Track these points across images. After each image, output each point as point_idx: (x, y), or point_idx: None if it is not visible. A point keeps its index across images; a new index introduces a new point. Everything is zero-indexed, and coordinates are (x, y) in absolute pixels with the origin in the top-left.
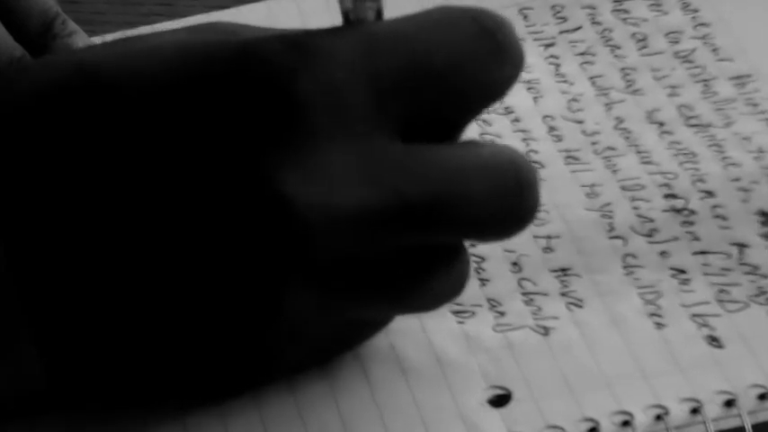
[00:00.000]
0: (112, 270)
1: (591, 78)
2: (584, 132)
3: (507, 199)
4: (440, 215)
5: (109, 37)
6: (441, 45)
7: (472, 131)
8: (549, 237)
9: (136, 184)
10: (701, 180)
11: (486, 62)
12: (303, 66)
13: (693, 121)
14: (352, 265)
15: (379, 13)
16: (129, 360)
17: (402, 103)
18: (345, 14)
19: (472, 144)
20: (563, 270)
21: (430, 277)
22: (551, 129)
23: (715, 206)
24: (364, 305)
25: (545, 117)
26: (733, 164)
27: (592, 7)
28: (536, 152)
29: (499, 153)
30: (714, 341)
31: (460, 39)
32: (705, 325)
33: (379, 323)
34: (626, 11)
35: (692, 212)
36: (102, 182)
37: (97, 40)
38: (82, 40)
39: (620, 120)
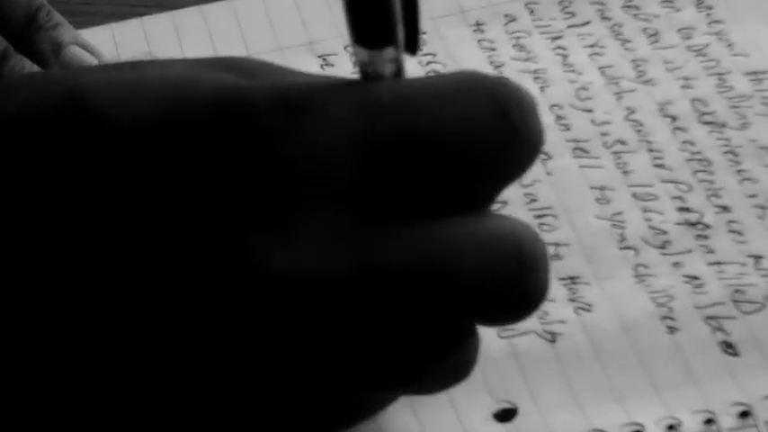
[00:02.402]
0: (79, 307)
1: (600, 68)
2: (593, 122)
3: (505, 278)
4: (419, 291)
5: (98, 29)
6: (447, 117)
7: None
8: (557, 244)
9: (109, 224)
10: (716, 195)
11: (497, 143)
12: (289, 127)
13: (708, 119)
14: (340, 339)
15: (398, 69)
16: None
17: (397, 174)
18: (362, 68)
19: (474, 218)
20: (571, 278)
21: (430, 361)
22: (559, 118)
23: (731, 221)
24: (355, 389)
25: (552, 106)
26: (749, 179)
27: (601, 2)
28: None
29: (501, 228)
30: (729, 348)
31: (470, 112)
32: (720, 329)
33: (379, 403)
34: (637, 6)
35: (707, 227)
36: (77, 214)
37: (84, 32)
38: (68, 32)
39: (631, 110)
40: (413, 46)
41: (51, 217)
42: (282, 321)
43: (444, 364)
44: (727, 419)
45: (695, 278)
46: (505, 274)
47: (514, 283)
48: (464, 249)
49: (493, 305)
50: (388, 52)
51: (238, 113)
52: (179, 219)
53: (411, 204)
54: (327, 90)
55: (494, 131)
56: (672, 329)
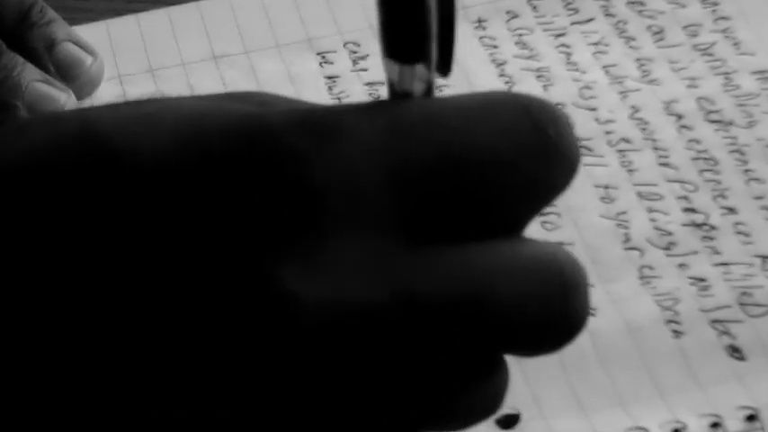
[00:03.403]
0: (94, 348)
1: (604, 67)
2: (597, 120)
3: (548, 303)
4: (458, 318)
5: (92, 26)
6: (481, 137)
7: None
8: (561, 243)
9: (129, 266)
10: (723, 196)
11: (534, 162)
12: (317, 150)
13: (714, 117)
14: (367, 377)
15: (429, 87)
16: None
17: (430, 197)
18: (391, 85)
19: (512, 242)
20: None
21: (460, 395)
22: None
23: (737, 223)
24: (378, 426)
25: (556, 105)
26: (756, 179)
27: None
28: None
29: (540, 251)
30: (735, 352)
31: (506, 132)
32: (726, 333)
33: None
34: (641, 3)
35: (713, 228)
36: (93, 256)
37: (79, 28)
38: (61, 29)
39: (635, 108)
40: (446, 67)
41: (70, 261)
42: (313, 354)
43: (476, 398)
44: (734, 423)
45: (701, 280)
46: (547, 299)
47: (557, 308)
48: (504, 275)
49: (533, 332)
50: (420, 70)
51: (260, 140)
52: (204, 253)
53: (447, 228)
54: (353, 112)
55: (529, 148)
56: (677, 333)
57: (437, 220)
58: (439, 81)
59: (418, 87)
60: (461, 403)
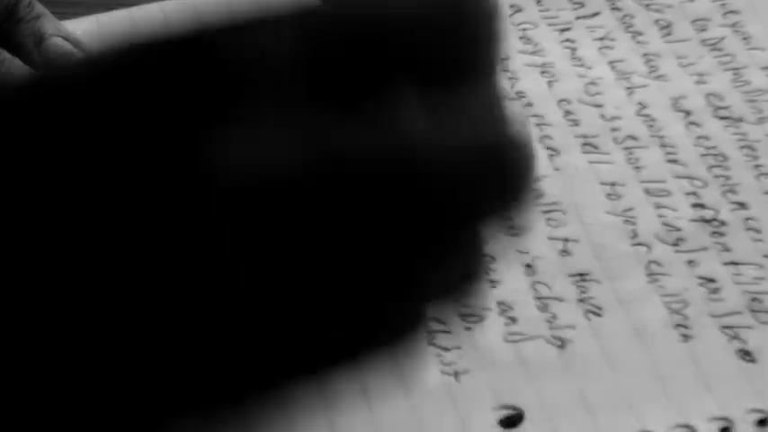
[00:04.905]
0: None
1: (610, 63)
2: (602, 117)
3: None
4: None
5: (81, 20)
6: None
7: None
8: (566, 239)
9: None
10: (732, 191)
11: (446, 18)
12: (231, 35)
13: (723, 113)
14: (300, 248)
15: None
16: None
17: (341, 58)
18: None
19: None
20: (581, 275)
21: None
22: (567, 113)
23: (747, 218)
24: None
25: (560, 101)
26: (766, 174)
27: None
28: (550, 138)
29: None
30: (746, 355)
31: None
32: (736, 337)
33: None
34: None
35: (723, 224)
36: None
37: (68, 23)
38: (50, 23)
39: (642, 105)
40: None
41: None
42: (244, 222)
43: (449, 266)
44: (745, 426)
45: (711, 281)
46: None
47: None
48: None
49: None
50: None
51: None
52: (141, 130)
53: (364, 85)
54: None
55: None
56: (686, 337)
57: (353, 78)
58: None
59: None
60: (432, 271)
